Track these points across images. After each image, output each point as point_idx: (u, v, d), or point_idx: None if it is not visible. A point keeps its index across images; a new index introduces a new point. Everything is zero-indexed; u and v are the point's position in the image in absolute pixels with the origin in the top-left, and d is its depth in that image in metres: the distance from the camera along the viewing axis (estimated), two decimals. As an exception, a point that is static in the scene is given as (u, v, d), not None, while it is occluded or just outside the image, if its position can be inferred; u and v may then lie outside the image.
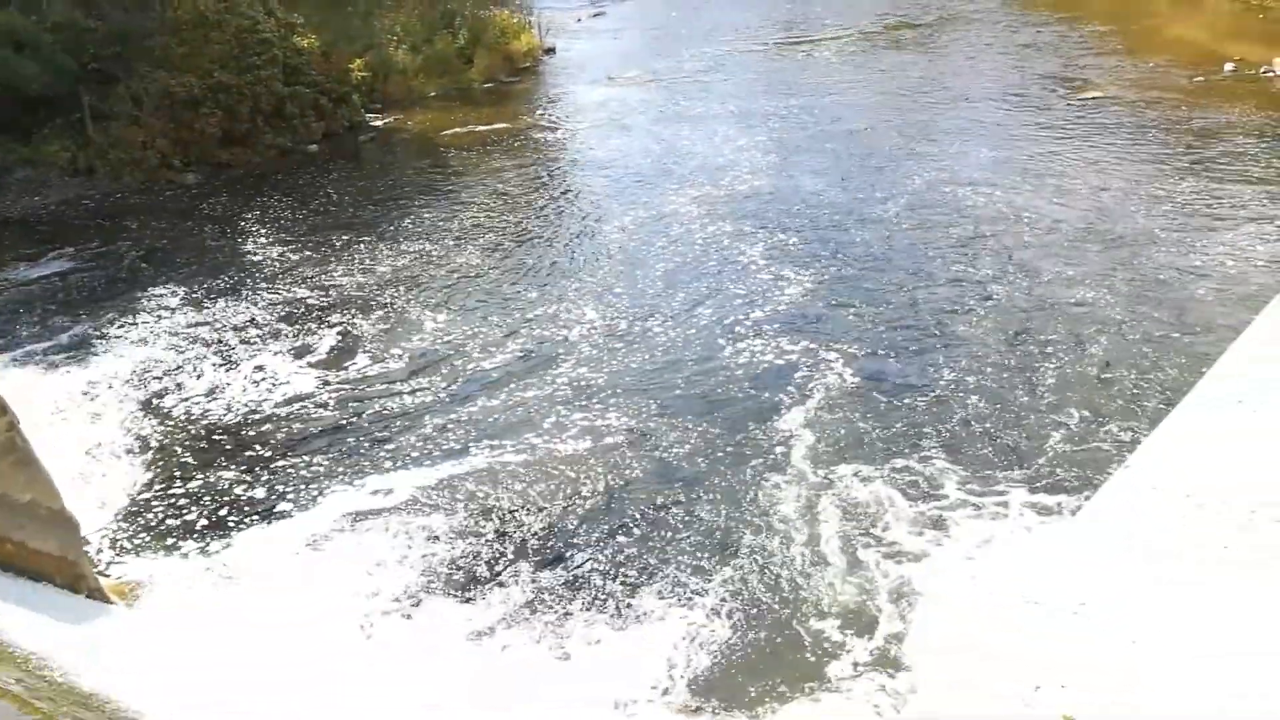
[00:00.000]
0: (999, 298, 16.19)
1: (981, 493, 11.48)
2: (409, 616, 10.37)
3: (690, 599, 10.33)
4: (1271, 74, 26.59)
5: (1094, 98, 26.30)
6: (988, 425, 12.78)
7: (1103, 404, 12.93)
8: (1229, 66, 27.46)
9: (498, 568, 11.00)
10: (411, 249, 20.31)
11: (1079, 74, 28.66)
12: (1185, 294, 15.56)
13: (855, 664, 9.34)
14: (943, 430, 12.78)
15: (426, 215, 22.31)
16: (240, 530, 11.96)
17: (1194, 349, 13.79)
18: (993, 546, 10.58)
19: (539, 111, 31.39)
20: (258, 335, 16.92)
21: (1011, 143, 23.84)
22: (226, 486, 12.84)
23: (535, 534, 11.51)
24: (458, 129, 29.29)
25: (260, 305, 18.12)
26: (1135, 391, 13.15)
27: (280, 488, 12.74)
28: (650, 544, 11.22)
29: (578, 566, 10.97)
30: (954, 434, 12.68)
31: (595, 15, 43.92)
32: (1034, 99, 26.93)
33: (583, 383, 14.67)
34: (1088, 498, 10.96)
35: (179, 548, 11.70)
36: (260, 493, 12.66)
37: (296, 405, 14.71)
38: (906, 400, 13.57)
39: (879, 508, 11.42)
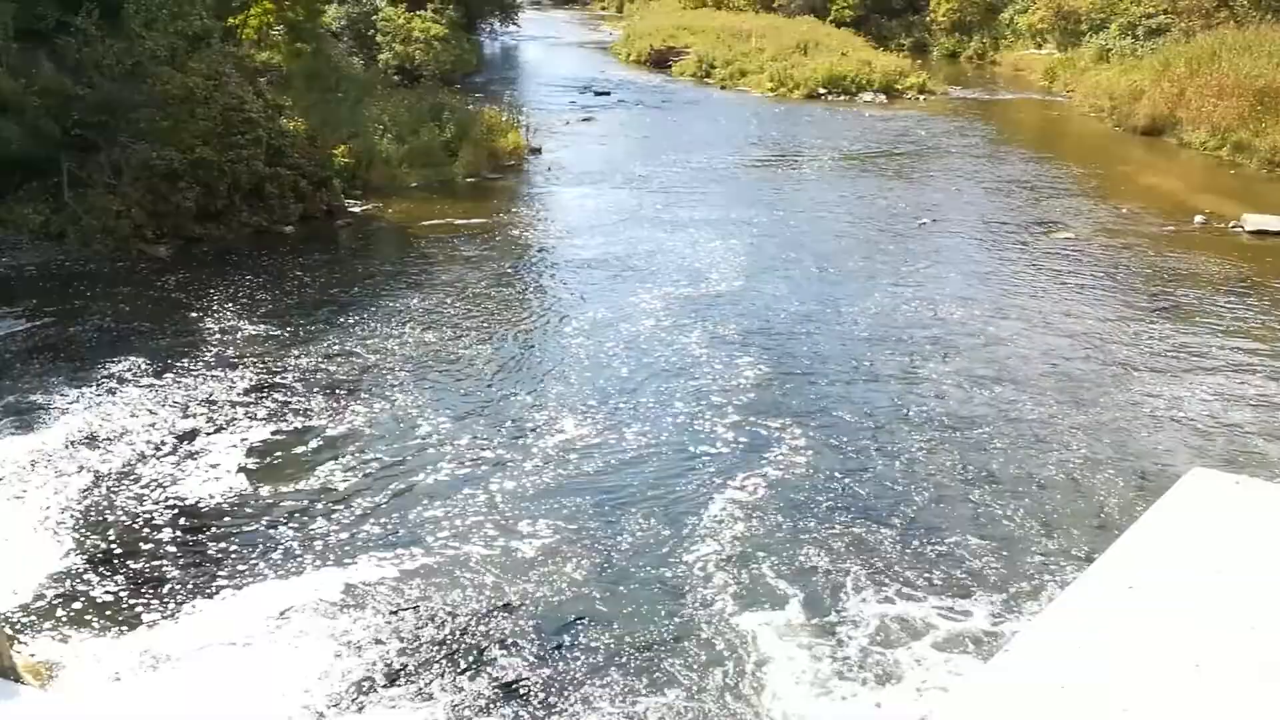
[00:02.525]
0: (944, 412, 16.75)
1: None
2: (337, 713, 10.01)
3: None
4: (1240, 230, 26.99)
5: (1067, 239, 26.65)
6: (906, 547, 12.70)
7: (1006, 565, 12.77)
8: (1199, 219, 27.79)
9: (430, 671, 10.67)
10: (377, 337, 20.08)
11: (1053, 215, 29.02)
12: (1135, 441, 15.76)
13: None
14: (864, 538, 12.98)
15: (396, 304, 22.13)
16: (166, 618, 11.54)
17: (1116, 510, 13.73)
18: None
19: (519, 208, 31.55)
20: (209, 416, 16.53)
21: (981, 274, 24.13)
22: (157, 570, 12.43)
23: (479, 635, 11.20)
24: (436, 220, 29.27)
25: (215, 385, 17.71)
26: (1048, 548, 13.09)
27: (212, 576, 12.34)
28: (585, 655, 10.94)
29: (511, 674, 10.67)
30: (871, 546, 12.69)
31: (584, 120, 44.40)
32: (1007, 235, 27.25)
33: (538, 484, 14.45)
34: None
35: (102, 630, 11.28)
36: (191, 580, 12.25)
37: (240, 493, 14.33)
38: (842, 505, 13.95)
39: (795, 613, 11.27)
